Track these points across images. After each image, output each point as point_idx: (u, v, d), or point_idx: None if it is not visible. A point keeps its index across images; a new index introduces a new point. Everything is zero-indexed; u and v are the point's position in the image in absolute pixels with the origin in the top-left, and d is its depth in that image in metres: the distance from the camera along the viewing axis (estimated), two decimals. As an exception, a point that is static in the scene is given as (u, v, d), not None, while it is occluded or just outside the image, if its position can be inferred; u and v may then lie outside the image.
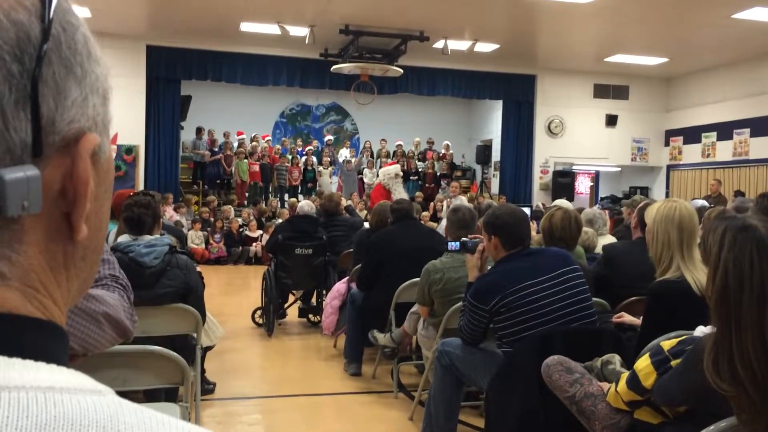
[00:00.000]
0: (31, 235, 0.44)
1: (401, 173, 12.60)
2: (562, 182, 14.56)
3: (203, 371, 4.06)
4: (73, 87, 0.45)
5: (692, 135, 14.42)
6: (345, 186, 14.56)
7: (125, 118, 11.95)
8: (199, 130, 14.38)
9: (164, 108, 13.02)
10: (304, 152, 15.38)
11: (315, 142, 16.31)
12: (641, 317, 2.99)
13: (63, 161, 0.44)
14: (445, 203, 11.75)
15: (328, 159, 15.30)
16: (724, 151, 13.51)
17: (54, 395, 0.38)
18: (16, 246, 0.43)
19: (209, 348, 4.23)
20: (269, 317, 6.03)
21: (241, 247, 11.88)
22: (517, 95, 14.70)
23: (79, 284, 0.51)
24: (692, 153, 14.44)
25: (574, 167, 15.12)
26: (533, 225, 6.57)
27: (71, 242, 0.47)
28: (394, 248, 4.57)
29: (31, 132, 0.42)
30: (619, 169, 15.67)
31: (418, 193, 14.06)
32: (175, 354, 2.39)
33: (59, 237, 0.46)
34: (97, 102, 0.47)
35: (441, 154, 16.03)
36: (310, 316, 6.58)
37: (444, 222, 5.70)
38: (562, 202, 6.82)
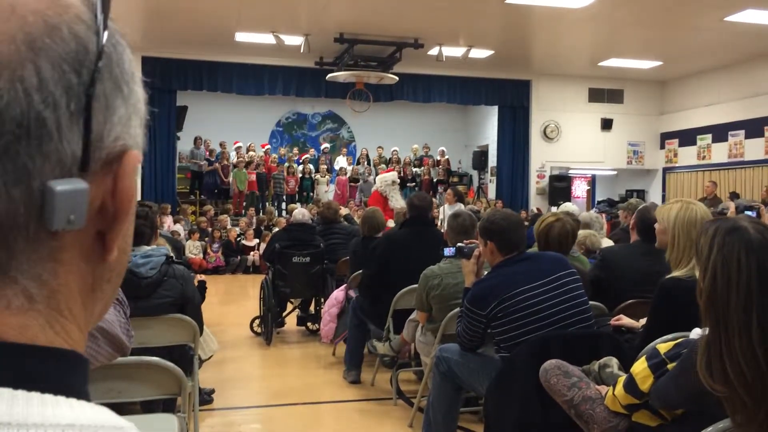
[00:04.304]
0: (67, 254, 0.43)
1: (398, 180, 12.60)
2: (559, 186, 14.59)
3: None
4: (120, 105, 0.44)
5: (687, 137, 14.47)
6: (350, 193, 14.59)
7: (121, 130, 11.95)
8: (196, 140, 14.40)
9: (160, 118, 13.00)
10: (300, 161, 15.39)
11: (312, 151, 16.33)
12: (641, 318, 3.00)
13: (105, 178, 0.44)
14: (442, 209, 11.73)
15: (325, 167, 15.30)
16: (720, 153, 13.56)
17: None
18: (50, 265, 0.42)
19: (203, 361, 4.21)
20: (267, 326, 6.02)
21: (239, 257, 11.88)
22: (513, 100, 14.73)
23: (101, 308, 0.49)
24: (688, 155, 14.48)
25: (570, 171, 15.16)
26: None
27: (101, 263, 0.46)
28: (400, 255, 4.46)
29: (81, 146, 0.41)
30: (615, 172, 15.71)
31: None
32: (172, 365, 2.39)
33: (92, 257, 0.45)
34: (137, 123, 0.47)
35: (437, 161, 16.04)
36: (309, 324, 6.56)
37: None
38: (567, 206, 6.82)
